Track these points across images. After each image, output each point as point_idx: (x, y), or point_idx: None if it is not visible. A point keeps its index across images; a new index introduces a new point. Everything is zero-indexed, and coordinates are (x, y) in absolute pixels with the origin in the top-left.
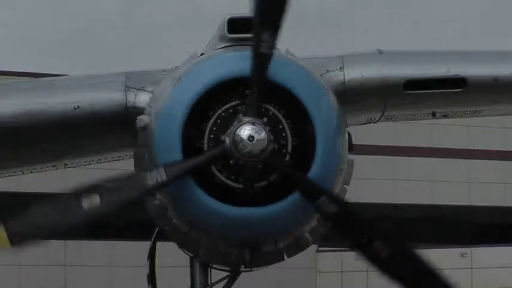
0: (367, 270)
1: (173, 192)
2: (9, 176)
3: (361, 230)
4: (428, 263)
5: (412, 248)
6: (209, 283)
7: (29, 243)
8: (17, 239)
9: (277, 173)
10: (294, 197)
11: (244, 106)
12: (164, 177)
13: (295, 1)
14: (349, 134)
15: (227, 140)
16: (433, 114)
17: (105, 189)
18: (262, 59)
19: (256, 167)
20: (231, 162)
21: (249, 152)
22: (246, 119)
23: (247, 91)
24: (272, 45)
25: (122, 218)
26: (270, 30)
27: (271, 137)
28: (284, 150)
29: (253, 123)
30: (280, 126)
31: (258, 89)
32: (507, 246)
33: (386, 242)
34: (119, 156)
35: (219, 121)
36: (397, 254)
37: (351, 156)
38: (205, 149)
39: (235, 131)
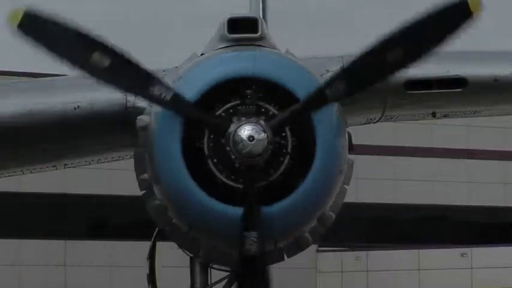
0: (367, 270)
1: (173, 192)
2: (9, 176)
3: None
4: None
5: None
6: (209, 283)
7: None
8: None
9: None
10: (294, 197)
11: (244, 106)
12: None
13: (295, 1)
14: (349, 134)
15: (228, 142)
16: (433, 114)
17: None
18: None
19: (256, 167)
20: (231, 162)
21: (249, 152)
22: (245, 119)
23: (247, 91)
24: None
25: (122, 218)
26: None
27: (271, 137)
28: (284, 151)
29: (254, 124)
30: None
31: (256, 89)
32: (507, 246)
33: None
34: (119, 156)
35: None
36: None
37: (351, 156)
38: (206, 149)
39: (236, 130)
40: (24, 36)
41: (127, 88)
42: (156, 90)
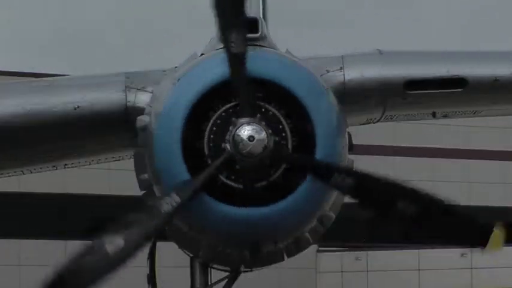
0: (367, 270)
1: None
2: (9, 176)
3: (382, 194)
4: (462, 212)
5: (440, 200)
6: (209, 283)
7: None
8: None
9: (285, 162)
10: (294, 197)
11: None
12: (178, 200)
13: (296, 1)
14: (349, 134)
15: (228, 146)
16: (433, 114)
17: (126, 228)
18: (235, 59)
19: (256, 167)
20: (233, 163)
21: (250, 152)
22: (242, 120)
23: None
24: (243, 43)
25: (121, 218)
26: (235, 29)
27: (271, 137)
28: None
29: (250, 124)
30: (280, 126)
31: (244, 88)
32: (507, 246)
33: (411, 200)
34: (119, 156)
35: (219, 121)
36: (425, 210)
37: (351, 156)
38: (205, 149)
39: (235, 132)
40: None
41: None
42: None
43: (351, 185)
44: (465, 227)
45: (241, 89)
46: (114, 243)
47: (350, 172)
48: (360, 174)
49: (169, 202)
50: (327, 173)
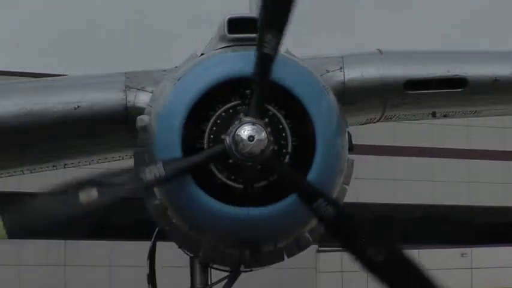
0: None
1: (173, 192)
2: (9, 176)
3: (356, 234)
4: (423, 270)
5: (406, 254)
6: (209, 283)
7: (26, 236)
8: (13, 232)
9: (275, 175)
10: (294, 196)
11: (244, 106)
12: (163, 173)
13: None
14: (349, 134)
15: (227, 139)
16: (433, 114)
17: (104, 183)
18: (265, 59)
19: (256, 167)
20: (231, 162)
21: (249, 152)
22: (247, 119)
23: (247, 91)
24: (276, 47)
25: (121, 218)
26: (274, 31)
27: (271, 137)
28: (284, 151)
29: (253, 124)
30: (281, 126)
31: (261, 90)
32: (507, 246)
33: (381, 248)
34: (119, 156)
35: (219, 121)
36: (391, 261)
37: (351, 156)
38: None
39: (236, 130)
40: None
41: None
42: None
43: (329, 215)
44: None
45: (260, 89)
46: (88, 193)
47: (334, 203)
48: (342, 208)
49: (153, 172)
50: (312, 196)
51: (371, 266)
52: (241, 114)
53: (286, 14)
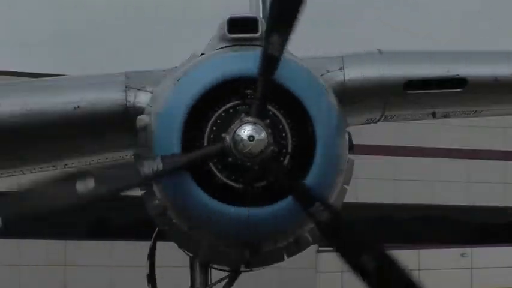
0: None
1: (173, 192)
2: (9, 176)
3: (350, 241)
4: (414, 279)
5: (398, 263)
6: (209, 283)
7: (22, 224)
8: (9, 220)
9: (273, 176)
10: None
11: (244, 106)
12: (161, 167)
13: None
14: (349, 134)
15: (227, 138)
16: (433, 114)
17: (101, 175)
18: (270, 61)
19: (255, 166)
20: (231, 161)
21: (249, 152)
22: (248, 119)
23: (247, 91)
24: (281, 48)
25: (121, 218)
26: (280, 32)
27: (271, 139)
28: (284, 151)
29: (254, 124)
30: (281, 126)
31: (264, 90)
32: (507, 246)
33: (373, 256)
34: (119, 156)
35: (219, 121)
36: (383, 269)
37: (351, 156)
38: None
39: (236, 130)
40: None
41: None
42: None
43: (324, 220)
44: None
45: (262, 90)
46: (85, 183)
47: (330, 208)
48: (337, 214)
49: (151, 166)
50: (308, 200)
51: (362, 272)
52: (243, 114)
53: (294, 17)
